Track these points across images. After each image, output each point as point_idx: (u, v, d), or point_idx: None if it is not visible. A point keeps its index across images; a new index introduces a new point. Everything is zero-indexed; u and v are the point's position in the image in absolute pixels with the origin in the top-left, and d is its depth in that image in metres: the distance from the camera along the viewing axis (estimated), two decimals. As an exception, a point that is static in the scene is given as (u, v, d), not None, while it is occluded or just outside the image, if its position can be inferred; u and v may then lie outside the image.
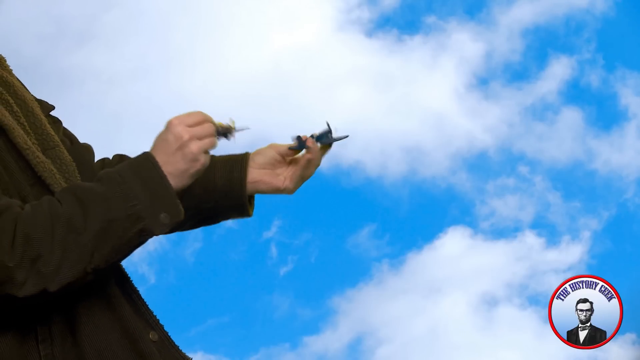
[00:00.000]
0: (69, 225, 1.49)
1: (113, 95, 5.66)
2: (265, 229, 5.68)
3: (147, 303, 1.70)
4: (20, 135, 1.62)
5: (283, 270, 5.61)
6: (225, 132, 1.72)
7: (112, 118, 5.61)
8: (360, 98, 5.77)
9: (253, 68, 5.75)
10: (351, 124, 5.72)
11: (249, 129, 1.75)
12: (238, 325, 5.56)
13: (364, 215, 5.70)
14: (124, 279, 1.68)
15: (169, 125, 1.62)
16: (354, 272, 5.63)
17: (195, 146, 1.61)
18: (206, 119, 1.67)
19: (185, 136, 1.60)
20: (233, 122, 1.73)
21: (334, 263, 5.72)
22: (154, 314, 1.70)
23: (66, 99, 5.46)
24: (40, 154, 1.63)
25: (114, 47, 5.77)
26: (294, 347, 5.45)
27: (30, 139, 1.63)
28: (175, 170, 1.59)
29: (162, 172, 1.56)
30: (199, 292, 5.66)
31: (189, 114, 1.65)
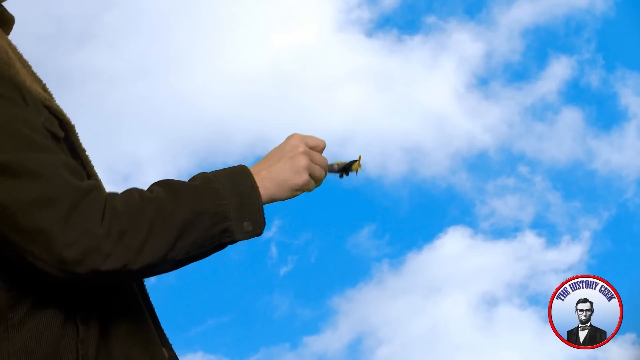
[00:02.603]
0: (160, 207, 1.51)
1: (113, 95, 5.66)
2: (265, 229, 5.67)
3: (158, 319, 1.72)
4: (78, 138, 1.64)
5: (283, 270, 5.62)
6: (342, 169, 1.76)
7: (112, 118, 5.61)
8: (360, 98, 5.77)
9: (253, 68, 5.75)
10: (351, 124, 5.72)
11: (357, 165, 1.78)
12: (238, 325, 5.56)
13: (364, 215, 5.70)
14: (145, 293, 1.71)
15: (289, 137, 1.67)
16: (354, 272, 5.64)
17: (305, 161, 1.65)
18: (322, 145, 1.71)
19: (301, 149, 1.65)
20: (359, 160, 1.76)
21: (334, 263, 5.72)
22: (164, 331, 1.74)
23: (66, 99, 5.45)
24: (90, 160, 1.66)
25: (114, 47, 5.77)
26: (294, 347, 5.45)
27: None
28: (277, 176, 1.63)
29: (255, 183, 1.59)
30: (199, 292, 5.66)
31: (314, 137, 1.70)
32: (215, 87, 5.72)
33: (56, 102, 1.66)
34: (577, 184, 5.69)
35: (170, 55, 5.84)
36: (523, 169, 5.70)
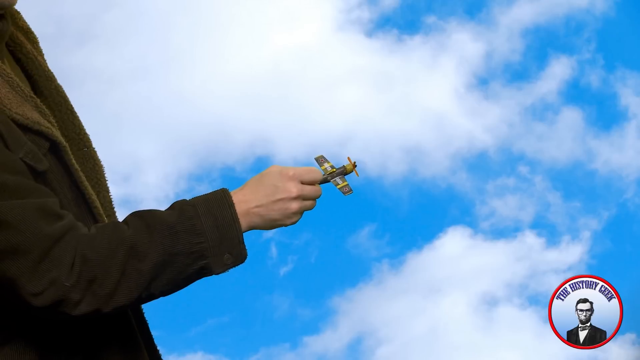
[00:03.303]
0: (132, 250, 1.49)
1: (113, 95, 5.66)
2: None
3: (158, 351, 1.72)
4: (72, 159, 1.62)
5: (283, 270, 5.61)
6: (337, 175, 1.72)
7: (112, 118, 5.61)
8: (360, 98, 5.77)
9: (253, 68, 5.75)
10: (351, 124, 5.72)
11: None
12: (238, 325, 5.56)
13: (364, 215, 5.70)
14: (143, 323, 1.70)
15: (284, 175, 1.64)
16: (354, 272, 5.63)
17: (296, 206, 1.63)
18: (318, 180, 1.69)
19: (294, 194, 1.63)
20: (352, 163, 1.72)
21: (334, 263, 5.72)
22: (157, 349, 1.74)
23: (66, 99, 5.44)
24: (84, 178, 1.64)
25: (114, 47, 5.77)
26: (294, 347, 5.45)
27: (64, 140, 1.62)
28: (267, 216, 1.61)
29: (236, 214, 1.56)
30: (199, 292, 5.66)
31: (309, 171, 1.68)
32: (215, 87, 5.72)
33: (49, 121, 1.63)
34: (577, 184, 5.69)
35: (170, 55, 5.83)
36: (523, 169, 5.70)
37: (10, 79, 1.61)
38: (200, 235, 1.53)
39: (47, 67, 1.74)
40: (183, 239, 1.52)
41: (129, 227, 1.52)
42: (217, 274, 1.57)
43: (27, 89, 1.62)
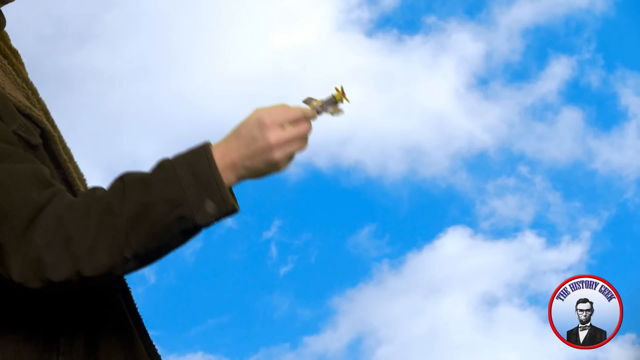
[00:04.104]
0: (107, 207, 1.45)
1: (113, 95, 5.66)
2: (265, 229, 5.68)
3: (154, 345, 1.69)
4: (60, 148, 1.62)
5: (283, 270, 5.62)
6: (328, 106, 1.59)
7: (112, 118, 5.61)
8: (360, 98, 5.77)
9: (253, 68, 5.75)
10: (351, 124, 5.72)
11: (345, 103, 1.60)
12: (238, 325, 5.56)
13: (364, 215, 5.70)
14: (138, 318, 1.68)
15: (261, 123, 1.53)
16: (354, 272, 5.64)
17: (279, 154, 1.52)
18: (304, 116, 1.57)
19: (273, 143, 1.52)
20: (341, 90, 1.59)
21: (334, 263, 5.72)
22: (159, 355, 1.71)
23: (66, 99, 5.47)
24: (72, 168, 1.64)
25: (114, 47, 5.77)
26: (294, 347, 5.45)
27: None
28: (252, 168, 1.52)
29: (212, 160, 1.49)
30: (199, 292, 5.66)
31: (287, 111, 1.55)
32: (215, 87, 5.72)
33: (41, 106, 1.64)
34: (577, 184, 5.69)
35: (170, 55, 5.84)
36: (523, 169, 5.70)
37: (3, 65, 1.63)
38: (174, 182, 1.46)
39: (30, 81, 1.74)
40: (156, 188, 1.46)
41: (110, 188, 1.49)
42: (203, 224, 1.48)
43: (19, 79, 1.63)
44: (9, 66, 1.65)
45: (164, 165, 1.49)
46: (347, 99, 1.61)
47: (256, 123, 1.53)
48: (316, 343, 5.47)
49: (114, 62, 5.71)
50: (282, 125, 1.53)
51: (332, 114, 1.62)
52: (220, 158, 1.51)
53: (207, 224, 1.49)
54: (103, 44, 5.74)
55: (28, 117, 1.56)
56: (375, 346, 5.45)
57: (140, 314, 1.70)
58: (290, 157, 1.55)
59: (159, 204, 1.46)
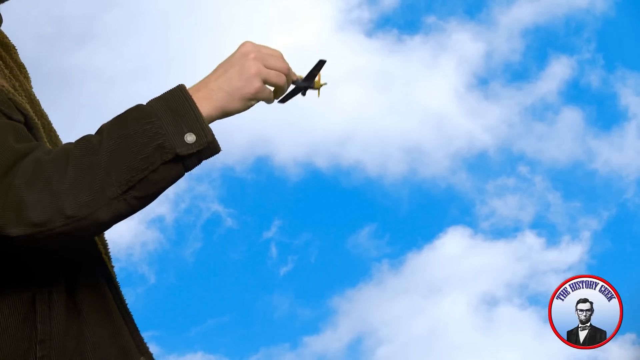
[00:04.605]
0: (86, 147, 1.44)
1: (113, 95, 5.66)
2: (265, 229, 5.69)
3: (138, 328, 1.68)
4: (44, 136, 1.60)
5: (283, 270, 5.62)
6: (303, 84, 1.63)
7: (112, 118, 5.60)
8: (360, 98, 5.77)
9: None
10: (351, 124, 5.72)
11: (325, 84, 1.66)
12: (238, 325, 5.56)
13: (364, 215, 5.71)
14: (121, 300, 1.67)
15: (240, 45, 1.55)
16: (354, 272, 5.64)
17: (256, 67, 1.53)
18: (283, 60, 1.58)
19: (251, 55, 1.53)
20: (320, 83, 1.64)
21: (334, 263, 5.72)
22: (144, 340, 1.69)
23: (66, 99, 5.47)
24: None
25: (114, 47, 5.77)
26: (294, 347, 5.45)
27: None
28: (226, 86, 1.52)
29: (187, 94, 1.48)
30: (199, 292, 5.67)
31: (269, 47, 1.58)
32: (215, 87, 5.71)
33: (27, 99, 1.63)
34: (577, 184, 5.69)
35: (170, 55, 5.84)
36: (523, 169, 5.71)
37: None
38: (152, 115, 1.46)
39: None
40: (134, 122, 1.45)
41: (87, 135, 1.48)
42: (183, 154, 1.46)
43: (6, 70, 1.63)
44: (7, 58, 1.65)
45: (139, 105, 1.49)
46: (319, 94, 1.69)
47: (237, 49, 1.55)
48: (316, 343, 5.47)
49: (114, 62, 5.72)
50: (262, 51, 1.55)
51: (302, 90, 1.69)
52: (195, 91, 1.51)
53: (188, 155, 1.47)
54: (103, 44, 5.75)
55: (12, 101, 1.55)
56: (375, 346, 5.45)
57: (130, 311, 1.69)
58: (266, 80, 1.54)
59: (138, 134, 1.45)
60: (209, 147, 1.49)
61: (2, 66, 1.66)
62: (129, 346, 1.62)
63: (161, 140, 1.45)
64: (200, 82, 1.54)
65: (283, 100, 1.68)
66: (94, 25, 5.77)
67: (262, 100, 1.58)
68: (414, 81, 5.82)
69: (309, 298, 5.62)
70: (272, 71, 1.56)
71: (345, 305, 5.56)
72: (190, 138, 1.47)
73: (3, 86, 1.54)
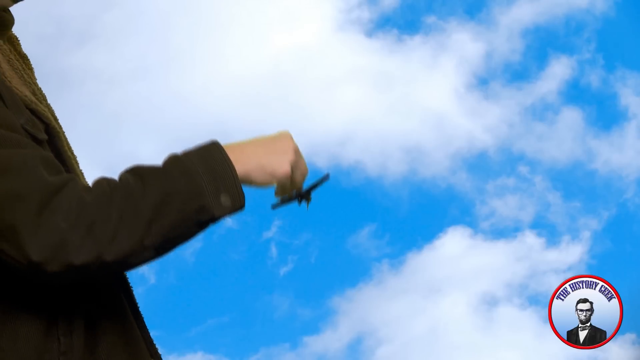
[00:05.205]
0: (128, 193, 1.45)
1: (113, 95, 5.66)
2: (265, 229, 5.69)
3: (155, 345, 1.69)
4: (65, 144, 1.61)
5: (283, 270, 5.62)
6: (304, 194, 1.69)
7: (112, 118, 5.61)
8: (360, 98, 5.78)
9: (253, 68, 5.75)
10: (351, 124, 5.73)
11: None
12: (238, 325, 5.56)
13: (364, 215, 5.71)
14: (134, 302, 1.68)
15: (283, 133, 1.61)
16: (354, 272, 5.64)
17: (293, 155, 1.59)
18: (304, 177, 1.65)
19: (292, 144, 1.59)
20: (309, 198, 1.69)
21: (334, 263, 5.72)
22: (154, 343, 1.70)
23: (66, 99, 5.47)
24: (75, 165, 1.63)
25: (114, 47, 5.77)
26: (294, 347, 5.45)
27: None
28: (263, 157, 1.57)
29: (226, 156, 1.52)
30: (199, 292, 5.67)
31: (305, 166, 1.64)
32: (215, 87, 5.73)
33: (47, 108, 1.64)
34: (577, 184, 5.69)
35: (170, 55, 5.84)
36: (523, 169, 5.71)
37: (10, 60, 1.63)
38: (196, 175, 1.48)
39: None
40: (179, 178, 1.48)
41: (122, 179, 1.49)
42: (218, 216, 1.50)
43: (26, 75, 1.63)
44: (16, 61, 1.66)
45: (178, 159, 1.51)
46: (307, 207, 1.73)
47: (278, 133, 1.60)
48: (316, 343, 5.48)
49: (114, 62, 5.72)
50: (299, 157, 1.61)
51: (299, 199, 1.73)
52: (230, 151, 1.54)
53: (222, 217, 1.51)
54: (103, 44, 5.75)
55: (33, 112, 1.56)
56: (375, 346, 5.46)
57: (142, 313, 1.70)
58: (293, 170, 1.60)
59: (182, 193, 1.47)
60: (240, 209, 1.53)
61: (21, 71, 1.66)
62: (142, 353, 1.63)
63: (202, 202, 1.48)
64: (235, 144, 1.57)
65: (276, 207, 1.74)
66: (94, 25, 5.77)
67: (276, 184, 1.63)
68: (414, 81, 5.83)
69: (309, 298, 5.63)
70: (299, 169, 1.62)
71: (345, 305, 5.56)
72: (226, 201, 1.51)
73: (26, 96, 1.55)
